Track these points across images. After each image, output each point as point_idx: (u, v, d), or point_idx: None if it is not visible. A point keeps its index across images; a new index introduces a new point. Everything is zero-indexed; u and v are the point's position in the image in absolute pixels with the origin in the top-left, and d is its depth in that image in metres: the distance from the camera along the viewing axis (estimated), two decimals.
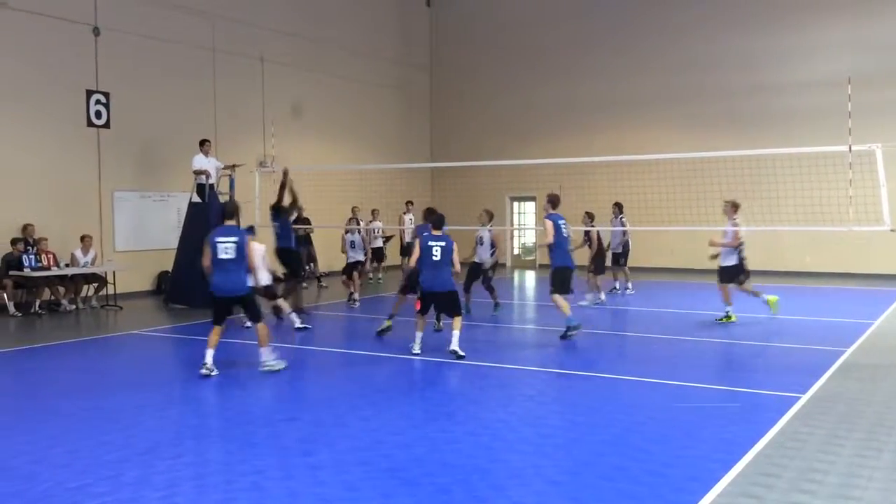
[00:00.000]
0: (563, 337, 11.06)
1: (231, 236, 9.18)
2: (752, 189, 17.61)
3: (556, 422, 7.06)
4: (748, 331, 12.05)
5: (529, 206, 24.78)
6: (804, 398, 7.66)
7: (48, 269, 14.37)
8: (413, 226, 20.46)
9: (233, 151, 18.42)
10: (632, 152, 17.56)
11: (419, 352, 10.02)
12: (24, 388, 8.75)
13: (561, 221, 11.25)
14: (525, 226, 24.76)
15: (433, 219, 10.50)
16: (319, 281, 19.32)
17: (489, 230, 13.62)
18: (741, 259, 12.48)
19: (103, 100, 16.36)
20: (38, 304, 14.53)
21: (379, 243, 19.82)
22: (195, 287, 15.11)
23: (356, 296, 15.58)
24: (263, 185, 15.52)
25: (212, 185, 15.22)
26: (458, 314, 10.11)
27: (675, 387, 8.42)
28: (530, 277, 22.26)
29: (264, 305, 11.36)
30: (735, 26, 21.60)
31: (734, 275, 12.51)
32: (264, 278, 11.17)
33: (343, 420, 7.07)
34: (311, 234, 18.99)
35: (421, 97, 26.54)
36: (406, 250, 21.09)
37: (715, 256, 12.77)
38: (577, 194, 19.25)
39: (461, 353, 9.74)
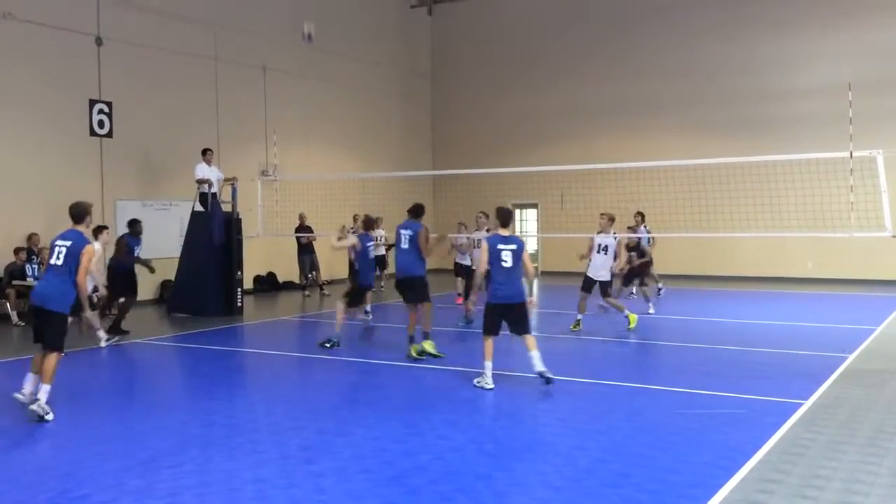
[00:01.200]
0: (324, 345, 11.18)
1: (67, 240, 7.76)
2: (754, 195, 17.63)
3: (559, 429, 7.06)
4: (750, 337, 12.04)
5: (531, 214, 24.80)
6: (807, 404, 7.65)
7: None
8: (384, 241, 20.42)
9: (235, 160, 18.49)
10: (633, 159, 17.55)
11: (492, 386, 8.45)
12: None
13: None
14: (528, 233, 24.78)
15: (503, 216, 8.73)
16: (322, 289, 19.33)
17: (614, 236, 12.75)
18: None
19: (106, 109, 16.40)
20: None
21: (381, 251, 19.81)
22: (198, 295, 15.20)
23: (368, 307, 14.03)
24: (265, 194, 15.55)
25: (214, 194, 15.26)
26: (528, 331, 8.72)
27: (679, 393, 8.42)
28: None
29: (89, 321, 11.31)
30: (736, 33, 21.64)
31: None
32: (90, 287, 10.25)
33: (346, 428, 7.08)
34: (314, 243, 19.02)
35: (422, 105, 26.60)
36: None
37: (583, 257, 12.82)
38: (579, 201, 19.30)
39: (551, 376, 8.38)
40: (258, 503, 5.25)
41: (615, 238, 12.67)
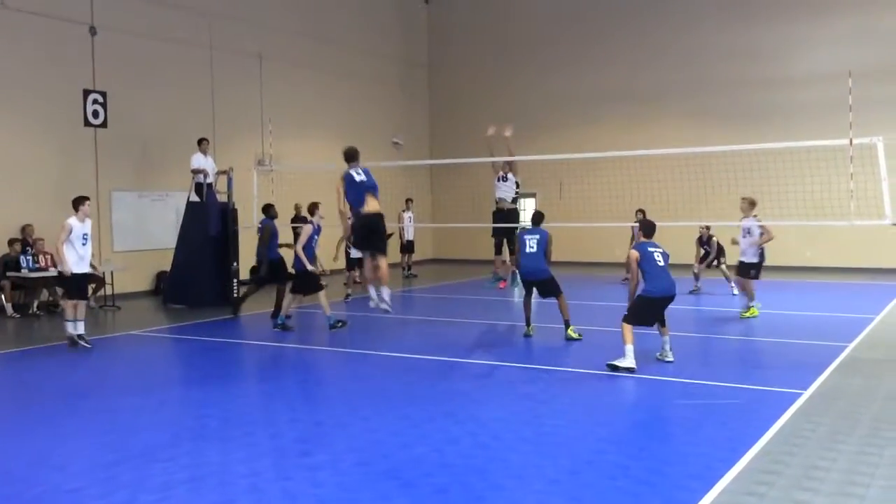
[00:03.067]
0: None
1: None
2: (753, 183, 17.50)
3: (557, 420, 6.99)
4: (749, 327, 11.99)
5: (530, 203, 24.67)
6: (806, 394, 7.60)
7: (46, 269, 14.31)
8: (412, 223, 20.44)
9: (231, 150, 18.38)
10: (632, 147, 17.44)
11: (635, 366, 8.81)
12: (21, 391, 8.69)
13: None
14: (525, 223, 24.66)
15: (646, 228, 9.75)
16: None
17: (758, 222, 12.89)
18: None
19: (100, 99, 16.28)
20: (35, 304, 14.49)
21: (410, 235, 19.98)
22: (194, 286, 15.13)
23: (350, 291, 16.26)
24: (261, 184, 15.44)
25: (210, 184, 15.16)
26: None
27: (678, 384, 8.36)
28: None
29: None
30: (737, 20, 21.51)
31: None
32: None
33: (342, 420, 7.02)
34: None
35: (420, 94, 26.46)
36: (407, 248, 21.06)
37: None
38: (577, 190, 19.20)
39: (670, 358, 9.27)
40: (252, 496, 5.18)
41: (757, 222, 12.85)
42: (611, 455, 5.98)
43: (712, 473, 5.44)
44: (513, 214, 12.97)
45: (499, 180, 12.95)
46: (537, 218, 11.49)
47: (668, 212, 17.11)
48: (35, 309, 14.44)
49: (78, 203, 10.97)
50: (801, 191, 15.46)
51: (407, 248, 21.08)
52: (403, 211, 20.50)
